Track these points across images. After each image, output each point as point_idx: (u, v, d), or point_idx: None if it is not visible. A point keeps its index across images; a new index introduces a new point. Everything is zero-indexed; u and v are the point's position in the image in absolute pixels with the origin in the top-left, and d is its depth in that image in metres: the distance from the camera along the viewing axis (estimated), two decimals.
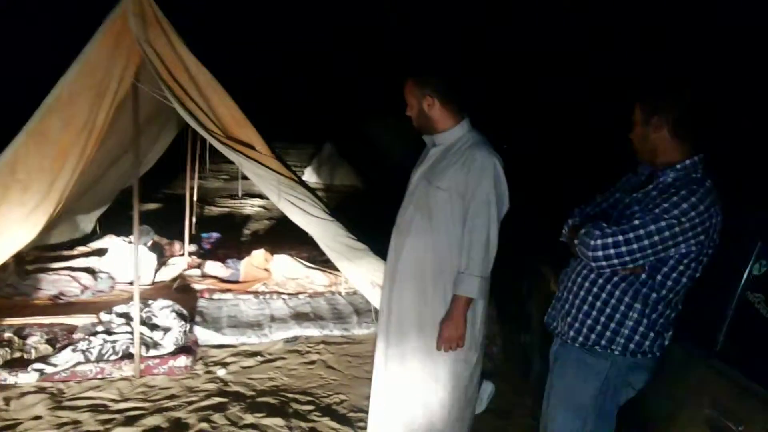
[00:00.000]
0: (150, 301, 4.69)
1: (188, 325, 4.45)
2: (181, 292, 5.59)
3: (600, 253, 1.98)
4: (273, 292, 5.58)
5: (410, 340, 2.55)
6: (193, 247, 6.98)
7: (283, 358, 4.31)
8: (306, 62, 25.73)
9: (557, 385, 2.27)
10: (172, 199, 11.40)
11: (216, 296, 5.42)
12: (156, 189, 11.63)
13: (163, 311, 4.53)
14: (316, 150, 16.36)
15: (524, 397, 3.82)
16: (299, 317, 4.98)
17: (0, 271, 5.42)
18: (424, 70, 2.56)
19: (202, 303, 5.19)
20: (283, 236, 7.83)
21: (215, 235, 8.00)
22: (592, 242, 1.99)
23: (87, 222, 7.38)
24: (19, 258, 5.94)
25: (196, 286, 5.64)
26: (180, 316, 4.49)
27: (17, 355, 4.04)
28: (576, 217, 2.28)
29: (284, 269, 5.87)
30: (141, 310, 4.51)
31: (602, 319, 2.10)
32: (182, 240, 6.70)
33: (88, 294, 5.41)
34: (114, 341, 4.07)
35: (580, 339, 2.15)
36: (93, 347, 3.99)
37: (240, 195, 12.26)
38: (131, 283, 5.86)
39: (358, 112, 19.25)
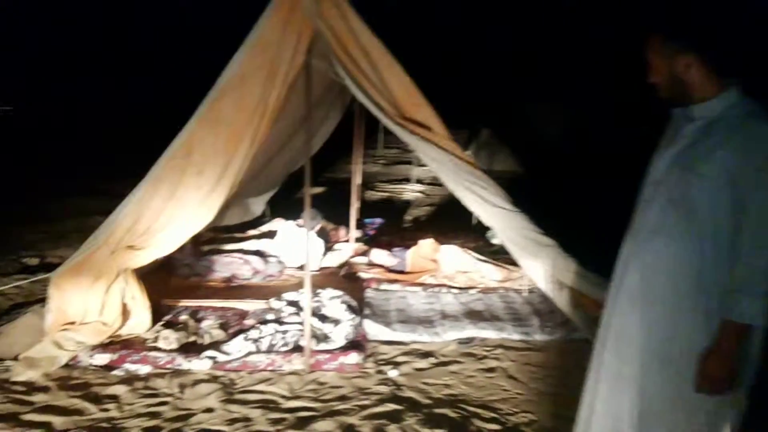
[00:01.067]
0: (319, 291, 4.44)
1: (358, 318, 4.13)
2: (349, 281, 5.34)
3: None
4: (442, 286, 5.14)
5: (651, 374, 1.94)
6: (358, 233, 6.75)
7: (459, 362, 3.85)
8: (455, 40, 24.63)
9: None
10: (334, 183, 11.44)
11: (383, 287, 5.08)
12: (318, 173, 11.72)
13: (333, 302, 4.26)
14: (472, 135, 15.75)
15: None
16: (472, 316, 4.49)
17: (178, 252, 5.51)
18: (677, 22, 1.91)
19: (369, 294, 4.88)
20: (445, 224, 7.39)
21: (378, 220, 7.75)
22: None
23: (258, 205, 7.43)
24: (196, 239, 6.04)
25: (363, 275, 5.36)
26: (350, 307, 4.19)
27: (191, 339, 3.95)
28: None
29: (453, 261, 5.40)
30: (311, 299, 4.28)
31: None
32: (347, 225, 6.47)
33: (259, 278, 5.32)
34: (284, 332, 3.85)
35: None
36: (263, 337, 3.79)
37: (414, 180, 12.02)
38: (300, 268, 5.74)
39: (512, 94, 18.26)
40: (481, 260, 5.45)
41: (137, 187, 3.75)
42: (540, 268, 3.84)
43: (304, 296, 4.23)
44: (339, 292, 4.36)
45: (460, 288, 5.11)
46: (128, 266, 3.81)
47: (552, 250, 3.78)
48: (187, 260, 5.45)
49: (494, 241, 6.51)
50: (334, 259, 5.87)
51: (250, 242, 5.97)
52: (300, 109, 6.15)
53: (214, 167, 3.71)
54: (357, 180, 6.51)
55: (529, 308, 4.64)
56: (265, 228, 6.56)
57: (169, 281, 5.21)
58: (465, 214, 5.68)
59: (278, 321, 4.01)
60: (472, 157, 3.75)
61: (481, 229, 6.78)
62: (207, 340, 3.93)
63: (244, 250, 5.79)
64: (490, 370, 3.75)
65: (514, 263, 5.11)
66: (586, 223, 7.38)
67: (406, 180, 11.86)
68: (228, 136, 3.66)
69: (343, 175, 7.61)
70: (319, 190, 10.97)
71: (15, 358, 3.57)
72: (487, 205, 3.70)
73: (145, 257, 3.81)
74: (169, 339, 3.82)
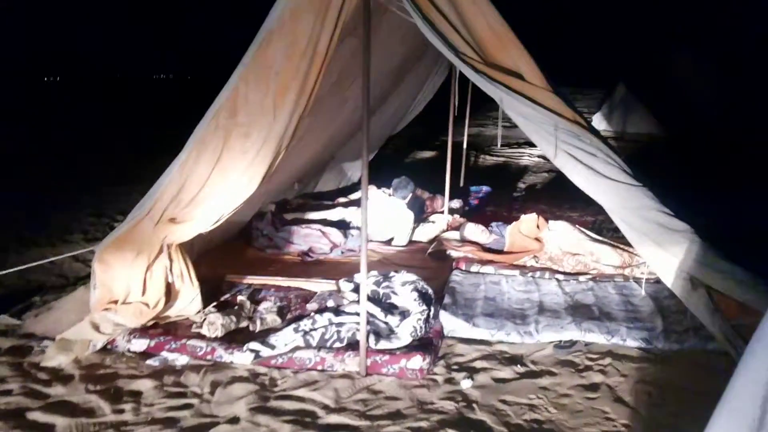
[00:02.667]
0: (392, 273, 3.72)
1: (432, 310, 3.39)
2: (436, 259, 4.58)
3: None
4: (545, 269, 4.24)
5: None
6: (456, 203, 5.94)
7: (552, 373, 3.00)
8: None
9: None
10: (453, 147, 10.55)
11: (474, 268, 4.27)
12: (435, 136, 10.89)
13: (405, 288, 3.53)
14: (607, 94, 14.06)
15: None
16: (578, 311, 3.58)
17: (257, 220, 5.04)
18: None
19: (456, 277, 4.10)
20: (562, 194, 6.35)
21: (485, 188, 6.87)
22: None
23: (354, 170, 6.84)
24: (281, 206, 5.56)
25: (453, 253, 4.57)
26: (423, 296, 3.44)
27: (244, 324, 3.42)
28: None
29: (561, 240, 4.45)
30: (379, 285, 3.59)
31: None
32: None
33: (337, 252, 4.71)
34: (340, 324, 3.19)
35: None
36: (316, 329, 3.17)
37: (498, 144, 10.84)
38: (388, 242, 5.08)
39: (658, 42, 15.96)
40: (596, 240, 4.44)
41: (182, 152, 3.22)
42: (666, 259, 2.85)
43: (371, 279, 3.58)
44: (413, 277, 3.61)
45: (566, 274, 4.18)
46: (172, 241, 3.32)
47: (684, 236, 2.77)
48: (266, 230, 4.96)
49: None
50: (425, 233, 5.13)
51: (335, 211, 5.37)
52: (393, 61, 5.44)
53: (261, 129, 3.08)
54: (454, 143, 5.64)
55: (652, 306, 3.63)
56: (354, 196, 5.94)
57: (245, 252, 4.77)
58: None
59: (336, 311, 3.36)
60: (579, 115, 2.80)
61: None
62: (259, 326, 3.38)
63: (326, 220, 5.21)
64: (593, 387, 2.87)
65: None
66: (740, 206, 6.03)
67: (528, 144, 10.70)
68: (277, 89, 3.00)
69: (460, 138, 6.77)
70: (429, 154, 10.22)
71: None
72: (595, 176, 2.76)
73: (187, 231, 3.29)
74: (215, 325, 3.30)
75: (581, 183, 2.83)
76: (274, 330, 3.33)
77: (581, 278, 4.11)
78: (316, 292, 3.86)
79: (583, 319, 3.42)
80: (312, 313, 3.32)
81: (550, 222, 4.63)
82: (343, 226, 5.03)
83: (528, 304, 3.72)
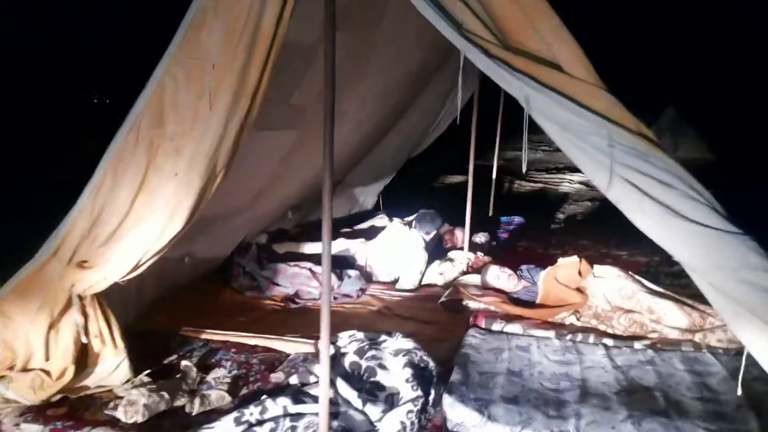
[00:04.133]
0: (383, 337, 2.76)
1: (432, 393, 2.41)
2: (449, 311, 3.60)
3: None
4: (589, 331, 3.21)
5: None
6: (482, 237, 4.95)
7: None
8: None
9: None
10: (483, 170, 9.52)
11: (496, 326, 3.27)
12: (464, 159, 9.86)
13: (398, 361, 2.57)
14: (653, 117, 12.84)
15: None
16: (634, 398, 2.54)
17: (240, 255, 4.16)
18: None
19: (472, 339, 3.10)
20: (609, 227, 5.31)
21: (517, 219, 5.84)
22: None
23: (368, 195, 5.94)
24: (275, 236, 4.68)
25: (471, 305, 3.58)
26: (419, 374, 2.47)
27: (180, 402, 2.51)
28: None
29: (610, 291, 3.42)
30: (363, 354, 2.63)
31: None
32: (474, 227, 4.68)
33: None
34: (297, 417, 2.24)
35: None
36: (265, 421, 2.23)
37: (524, 169, 9.52)
38: (394, 283, 4.13)
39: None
40: (655, 293, 3.39)
41: (95, 173, 2.37)
42: None
43: (353, 345, 2.64)
44: (410, 344, 2.64)
45: (616, 337, 3.14)
46: (83, 290, 2.44)
47: None
48: (249, 266, 4.07)
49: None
50: (442, 275, 4.15)
51: (335, 243, 4.44)
52: (408, 68, 4.54)
53: (198, 143, 2.20)
54: (475, 168, 4.69)
55: (733, 391, 2.55)
56: (363, 225, 5.02)
57: (220, 294, 3.88)
58: None
59: (299, 391, 2.42)
60: (648, 131, 1.84)
61: None
62: (197, 407, 2.46)
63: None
64: None
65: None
66: None
67: (567, 169, 9.60)
68: (215, 88, 2.13)
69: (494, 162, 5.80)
70: (458, 179, 9.23)
71: None
72: (671, 218, 1.78)
73: (99, 279, 2.41)
74: (136, 406, 2.39)
75: (649, 227, 1.83)
76: (219, 413, 2.42)
77: (636, 345, 3.07)
78: (288, 355, 2.94)
79: (644, 414, 2.38)
80: (263, 398, 2.38)
81: (596, 267, 3.60)
82: (339, 265, 4.09)
83: (566, 383, 2.70)
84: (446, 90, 5.39)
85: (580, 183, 8.58)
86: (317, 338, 2.94)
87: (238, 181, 3.33)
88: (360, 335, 2.75)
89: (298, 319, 3.51)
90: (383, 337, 2.74)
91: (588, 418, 2.37)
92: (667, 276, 4.08)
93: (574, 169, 9.01)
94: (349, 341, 2.71)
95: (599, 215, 6.60)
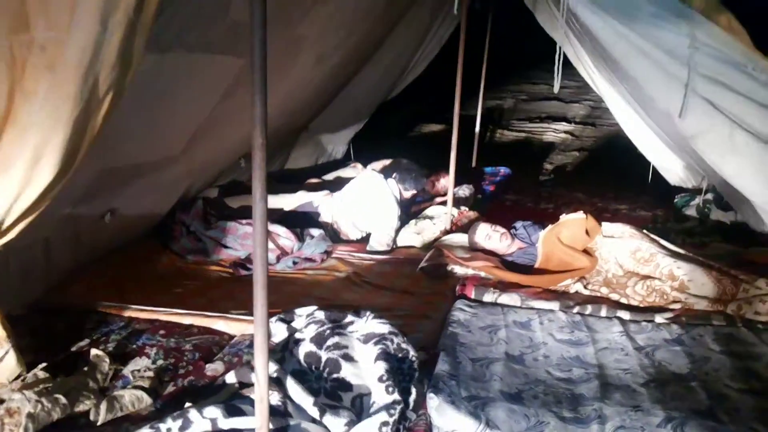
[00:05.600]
0: (349, 318, 2.15)
1: (413, 394, 1.83)
2: (432, 278, 3.01)
3: None
4: (599, 300, 2.66)
5: None
6: (465, 190, 4.34)
7: None
8: None
9: None
10: (464, 120, 8.79)
11: (488, 296, 2.69)
12: (448, 107, 9.17)
13: (368, 349, 1.96)
14: None
15: None
16: (668, 389, 2.00)
17: (183, 213, 3.50)
18: None
19: (459, 313, 2.52)
20: (605, 177, 4.75)
21: (503, 170, 5.26)
22: None
23: (337, 143, 5.28)
24: (227, 190, 4.01)
25: (457, 270, 3.00)
26: (394, 368, 1.87)
27: (83, 407, 1.89)
28: None
29: (622, 252, 2.85)
30: (323, 342, 2.02)
31: None
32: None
33: (287, 263, 3.13)
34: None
35: None
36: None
37: (556, 90, 8.77)
38: (364, 242, 3.53)
39: None
40: (676, 255, 2.83)
41: None
42: None
43: (311, 328, 2.03)
44: (384, 327, 2.04)
45: (633, 309, 2.59)
46: None
47: None
48: (192, 225, 3.41)
49: (689, 211, 3.84)
50: (420, 234, 3.55)
51: (296, 196, 3.77)
52: (382, 13, 3.85)
53: (74, 53, 1.51)
54: (460, 119, 4.03)
55: None
56: (331, 175, 4.37)
57: (156, 259, 3.22)
58: (635, 164, 3.48)
59: (234, 395, 1.81)
60: (744, 30, 1.22)
61: (665, 191, 4.12)
62: (103, 413, 1.84)
63: (283, 212, 3.65)
64: None
65: (741, 263, 2.60)
66: None
67: (550, 118, 8.97)
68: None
69: (474, 112, 5.21)
70: (437, 128, 8.56)
71: None
72: None
73: None
74: (17, 418, 1.76)
75: (743, 172, 1.23)
76: (133, 421, 1.81)
77: (657, 318, 2.52)
78: (232, 338, 2.33)
79: (685, 416, 1.83)
80: (187, 406, 1.76)
81: (604, 225, 3.02)
82: (299, 223, 3.44)
83: (579, 371, 2.15)
84: (423, 27, 4.69)
85: (566, 132, 8.00)
86: (272, 315, 2.35)
87: (168, 120, 2.65)
88: (320, 315, 2.14)
89: (247, 290, 2.85)
90: (350, 317, 2.13)
91: (614, 421, 1.82)
92: (678, 234, 3.54)
93: (558, 118, 8.41)
94: (306, 323, 2.09)
95: (591, 166, 6.05)
